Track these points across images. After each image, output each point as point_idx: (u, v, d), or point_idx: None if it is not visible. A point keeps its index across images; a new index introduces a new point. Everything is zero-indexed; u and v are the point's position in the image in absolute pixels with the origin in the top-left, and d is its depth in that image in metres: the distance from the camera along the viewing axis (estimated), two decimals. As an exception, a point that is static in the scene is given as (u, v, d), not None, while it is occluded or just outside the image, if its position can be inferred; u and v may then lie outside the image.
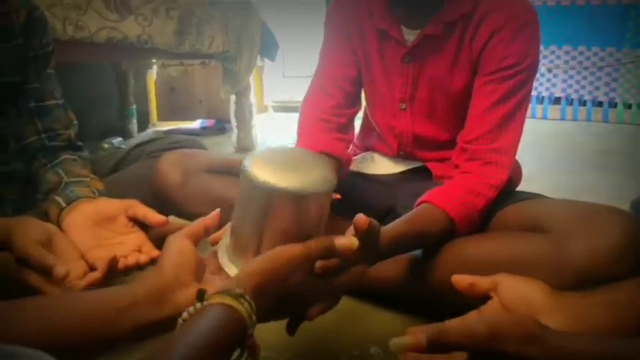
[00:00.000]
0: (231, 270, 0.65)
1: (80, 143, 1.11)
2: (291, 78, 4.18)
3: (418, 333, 0.52)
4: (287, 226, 0.62)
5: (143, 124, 3.30)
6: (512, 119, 0.99)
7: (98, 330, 0.55)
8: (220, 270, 0.67)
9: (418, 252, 0.97)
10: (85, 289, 0.77)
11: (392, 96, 1.13)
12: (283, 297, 0.60)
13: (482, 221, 0.97)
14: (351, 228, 0.69)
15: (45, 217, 0.95)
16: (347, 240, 0.65)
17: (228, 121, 2.86)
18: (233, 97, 2.62)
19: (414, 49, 1.06)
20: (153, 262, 0.87)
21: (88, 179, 1.01)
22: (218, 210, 0.71)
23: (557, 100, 3.72)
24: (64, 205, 0.93)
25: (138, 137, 3.08)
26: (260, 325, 0.55)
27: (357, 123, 1.23)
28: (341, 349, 0.90)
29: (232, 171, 1.08)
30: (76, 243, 0.86)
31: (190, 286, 0.60)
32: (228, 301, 0.52)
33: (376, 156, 1.23)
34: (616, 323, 0.63)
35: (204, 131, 3.24)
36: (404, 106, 1.12)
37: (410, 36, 1.07)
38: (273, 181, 0.60)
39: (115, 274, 0.82)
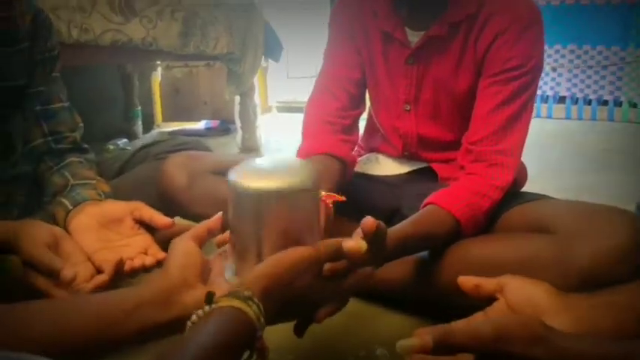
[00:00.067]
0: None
1: (86, 145, 1.12)
2: (295, 78, 4.18)
3: (424, 335, 0.52)
4: (278, 229, 0.62)
5: (148, 125, 3.31)
6: (517, 121, 0.99)
7: (104, 332, 0.55)
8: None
9: (424, 253, 0.97)
10: (92, 292, 0.77)
11: (396, 97, 1.13)
12: (291, 299, 0.60)
13: (487, 222, 0.97)
14: (359, 230, 0.69)
15: (52, 219, 0.95)
16: (355, 243, 0.65)
17: (233, 122, 2.86)
18: (237, 98, 2.62)
19: (418, 50, 1.06)
20: (159, 264, 0.87)
21: (94, 181, 1.01)
22: (220, 213, 0.71)
23: (562, 99, 3.70)
24: (70, 207, 0.94)
25: (143, 138, 3.08)
26: (266, 327, 0.55)
27: (362, 124, 1.23)
28: (347, 350, 0.90)
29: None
30: (83, 245, 0.87)
31: (196, 288, 0.61)
32: (236, 303, 0.52)
33: (381, 157, 1.23)
34: (618, 325, 0.63)
35: (208, 132, 3.24)
36: (408, 107, 1.12)
37: (414, 37, 1.07)
38: (254, 185, 0.61)
39: (121, 276, 0.82)
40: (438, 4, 1.03)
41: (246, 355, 0.52)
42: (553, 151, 2.60)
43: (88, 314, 0.56)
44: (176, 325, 0.56)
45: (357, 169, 1.18)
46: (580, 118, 3.64)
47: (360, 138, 1.23)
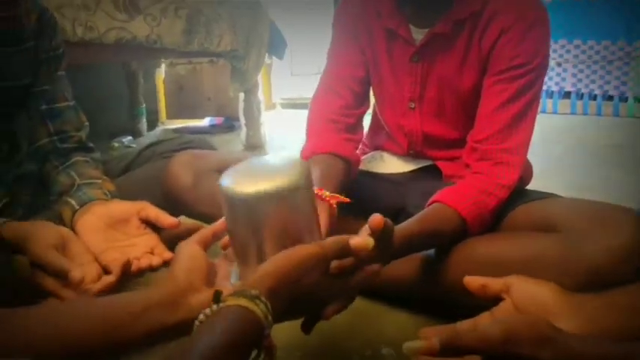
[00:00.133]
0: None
1: (91, 145, 1.12)
2: (299, 75, 4.18)
3: (431, 336, 0.52)
4: (275, 230, 0.62)
5: (152, 122, 3.32)
6: (522, 119, 0.98)
7: (111, 335, 0.55)
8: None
9: (430, 252, 0.97)
10: (100, 292, 0.77)
11: (401, 95, 1.12)
12: (299, 297, 0.60)
13: (493, 221, 0.97)
14: (366, 227, 0.69)
15: (58, 219, 0.95)
16: (362, 240, 0.65)
17: (237, 119, 2.86)
18: (242, 95, 2.62)
19: (423, 48, 1.06)
20: (165, 264, 0.87)
21: (100, 181, 1.01)
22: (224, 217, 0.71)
23: (567, 95, 3.69)
24: (77, 207, 0.94)
25: (147, 136, 3.09)
26: (273, 325, 0.55)
27: (366, 121, 1.22)
28: (353, 349, 0.91)
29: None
30: (89, 245, 0.87)
31: (202, 291, 0.61)
32: (244, 302, 0.52)
33: (386, 155, 1.23)
34: (625, 325, 0.63)
35: (213, 129, 3.24)
36: (413, 105, 1.12)
37: (418, 35, 1.06)
38: (244, 189, 0.61)
39: (128, 276, 0.83)
40: (443, 1, 1.02)
41: (254, 353, 0.52)
42: (558, 146, 2.60)
43: (95, 317, 0.56)
44: (182, 328, 0.56)
45: (362, 167, 1.18)
46: (585, 114, 3.63)
47: (364, 136, 1.23)
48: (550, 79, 3.68)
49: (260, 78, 2.63)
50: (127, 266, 0.81)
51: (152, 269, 0.87)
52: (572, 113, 3.66)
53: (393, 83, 1.13)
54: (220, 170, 0.67)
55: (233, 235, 0.66)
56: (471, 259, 0.90)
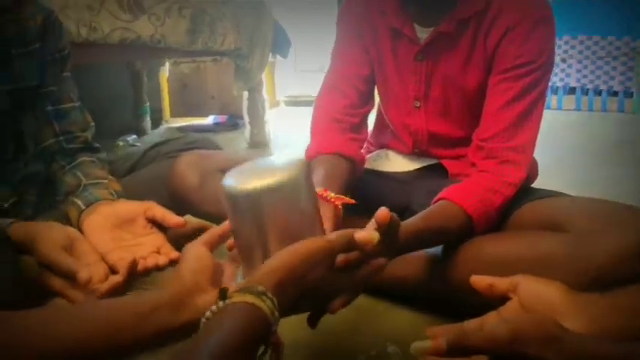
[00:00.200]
0: None
1: (97, 145, 1.12)
2: (302, 73, 4.17)
3: (438, 336, 0.52)
4: (277, 225, 0.63)
5: (156, 121, 3.32)
6: (528, 117, 0.98)
7: (119, 336, 0.55)
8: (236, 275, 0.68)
9: (437, 251, 0.97)
10: (107, 292, 0.78)
11: (406, 94, 1.12)
12: (305, 292, 0.60)
13: (499, 219, 0.97)
14: (372, 222, 0.69)
15: (65, 219, 0.96)
16: (367, 233, 0.65)
17: (241, 117, 2.87)
18: (246, 93, 2.63)
19: (428, 46, 1.06)
20: (172, 263, 0.88)
21: (106, 181, 1.02)
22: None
23: (572, 90, 3.68)
24: (83, 207, 0.94)
25: (151, 134, 3.10)
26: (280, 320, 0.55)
27: (371, 119, 1.22)
28: (359, 347, 0.91)
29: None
30: (96, 245, 0.87)
31: (208, 291, 0.61)
32: (250, 299, 0.52)
33: (391, 153, 1.23)
34: (631, 325, 0.62)
35: (217, 127, 3.24)
36: (418, 104, 1.12)
37: (423, 34, 1.06)
38: (246, 185, 0.62)
39: (135, 276, 0.83)
40: (447, 0, 1.02)
41: (261, 350, 0.53)
42: (563, 143, 2.59)
43: (102, 319, 0.56)
44: (189, 329, 0.56)
45: (367, 165, 1.18)
46: (590, 110, 3.62)
47: (369, 134, 1.23)
48: (555, 74, 3.67)
49: (264, 76, 2.63)
50: (133, 266, 0.81)
51: (158, 269, 0.87)
52: (577, 109, 3.65)
53: (397, 82, 1.13)
54: (226, 170, 0.68)
55: (237, 234, 0.67)
56: (478, 258, 0.90)
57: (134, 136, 2.87)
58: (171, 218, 0.92)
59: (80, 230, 0.91)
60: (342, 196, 0.85)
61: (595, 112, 3.58)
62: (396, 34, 1.09)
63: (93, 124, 1.13)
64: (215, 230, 0.70)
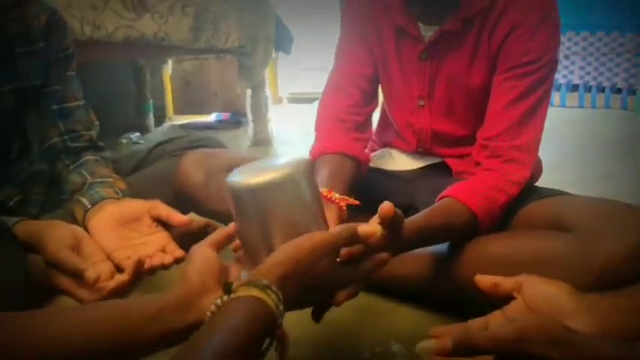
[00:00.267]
0: None
1: (102, 144, 1.13)
2: (305, 70, 4.17)
3: (444, 336, 0.52)
4: (281, 220, 0.63)
5: (159, 118, 3.32)
6: (532, 116, 0.98)
7: (123, 337, 0.56)
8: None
9: (442, 250, 0.97)
10: (114, 291, 0.78)
11: (410, 93, 1.12)
12: (309, 286, 0.60)
13: (503, 217, 0.97)
14: (376, 217, 0.70)
15: (71, 217, 0.96)
16: (370, 227, 0.66)
17: (244, 114, 2.86)
18: (249, 91, 2.62)
19: (432, 45, 1.06)
20: (177, 261, 0.88)
21: (111, 179, 1.02)
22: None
23: (574, 88, 3.67)
24: (89, 206, 0.95)
25: (155, 132, 3.10)
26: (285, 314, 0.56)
27: (375, 117, 1.22)
28: (363, 345, 0.91)
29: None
30: (102, 244, 0.88)
31: (215, 292, 0.62)
32: (255, 292, 0.53)
33: (394, 152, 1.23)
34: (625, 326, 0.62)
35: (219, 125, 3.24)
36: (422, 103, 1.12)
37: (427, 32, 1.06)
38: (249, 181, 0.63)
39: (140, 275, 0.83)
40: None
41: (266, 343, 0.53)
42: (565, 140, 2.58)
43: (111, 320, 0.56)
44: (196, 329, 0.57)
45: (371, 164, 1.18)
46: (593, 107, 3.61)
47: (373, 133, 1.23)
48: (557, 71, 3.61)
49: (266, 73, 2.63)
50: (139, 265, 0.82)
51: (164, 267, 0.88)
52: (580, 106, 3.64)
53: (401, 81, 1.13)
54: (231, 169, 0.68)
55: (241, 231, 0.67)
56: (483, 257, 0.90)
57: (137, 134, 2.87)
58: (175, 217, 0.93)
59: (86, 229, 0.91)
60: (347, 197, 0.85)
61: (598, 110, 3.57)
62: (400, 33, 1.09)
63: (97, 122, 1.14)
64: (222, 231, 0.71)
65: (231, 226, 0.71)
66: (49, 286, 0.80)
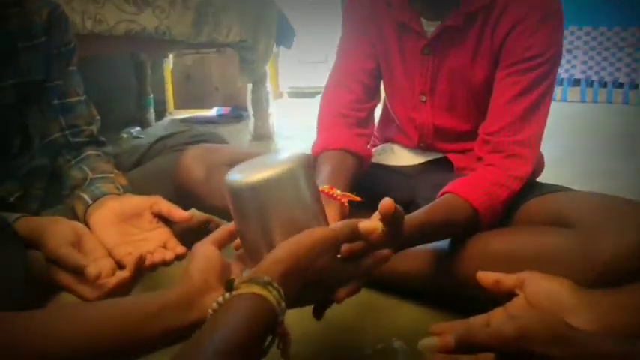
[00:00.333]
0: None
1: (103, 139, 1.13)
2: (306, 64, 4.16)
3: (446, 333, 0.52)
4: (280, 217, 0.63)
5: (160, 113, 3.32)
6: (534, 111, 0.98)
7: (124, 336, 0.55)
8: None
9: (444, 246, 0.97)
10: (115, 287, 0.78)
11: (412, 88, 1.12)
12: (310, 282, 0.60)
13: (504, 213, 0.97)
14: (377, 213, 0.70)
15: (72, 213, 0.96)
16: (371, 223, 0.66)
17: (245, 109, 2.86)
18: (250, 85, 2.62)
19: (434, 40, 1.05)
20: (178, 258, 0.88)
21: (112, 175, 1.02)
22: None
23: (576, 82, 3.66)
24: (90, 202, 0.95)
25: (155, 126, 3.10)
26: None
27: (377, 113, 1.22)
28: (365, 342, 0.91)
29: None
30: (103, 240, 0.88)
31: (217, 290, 0.61)
32: (256, 289, 0.53)
33: (396, 147, 1.23)
34: (626, 323, 0.62)
35: (220, 119, 3.24)
36: (424, 98, 1.12)
37: (430, 28, 1.06)
38: (248, 179, 0.63)
39: (142, 271, 0.83)
40: None
41: (268, 340, 0.53)
42: (567, 135, 2.58)
43: (111, 318, 0.56)
44: (198, 327, 0.57)
45: (372, 159, 1.17)
46: (595, 101, 3.60)
47: (375, 128, 1.23)
48: (559, 66, 3.64)
49: (267, 67, 2.63)
50: (141, 261, 0.81)
51: (165, 264, 0.87)
52: (582, 101, 3.64)
53: (403, 76, 1.12)
54: (232, 164, 0.68)
55: (241, 229, 0.67)
56: (484, 254, 0.90)
57: (138, 128, 2.87)
58: (177, 213, 0.92)
59: (87, 225, 0.91)
60: (348, 194, 0.85)
61: (600, 104, 3.56)
62: (402, 28, 1.08)
63: (98, 117, 1.13)
64: (224, 229, 0.71)
65: (233, 223, 0.71)
66: (50, 282, 0.80)
